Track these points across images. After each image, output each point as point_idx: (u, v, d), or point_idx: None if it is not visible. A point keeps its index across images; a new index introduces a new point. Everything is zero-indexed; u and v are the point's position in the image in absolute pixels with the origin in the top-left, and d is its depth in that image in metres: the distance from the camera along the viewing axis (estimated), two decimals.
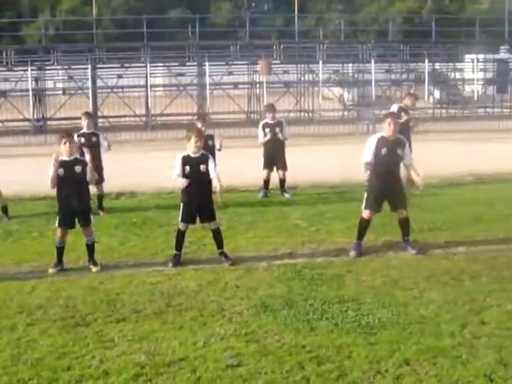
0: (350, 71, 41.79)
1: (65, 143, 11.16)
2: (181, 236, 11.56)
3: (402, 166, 12.28)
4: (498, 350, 7.82)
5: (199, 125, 15.05)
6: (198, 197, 11.40)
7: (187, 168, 11.36)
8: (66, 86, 38.95)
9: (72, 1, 70.80)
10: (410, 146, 13.25)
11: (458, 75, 43.77)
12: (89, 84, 35.46)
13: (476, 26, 46.54)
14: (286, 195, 17.21)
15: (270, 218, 14.78)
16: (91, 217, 11.58)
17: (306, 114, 37.81)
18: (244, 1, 77.02)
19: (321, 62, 38.24)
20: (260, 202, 16.55)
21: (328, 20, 67.38)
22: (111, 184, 16.25)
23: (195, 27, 44.14)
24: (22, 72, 35.97)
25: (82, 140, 15.25)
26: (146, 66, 35.88)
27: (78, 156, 11.57)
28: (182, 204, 11.51)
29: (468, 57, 43.61)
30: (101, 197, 15.63)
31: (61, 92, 38.96)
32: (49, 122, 35.59)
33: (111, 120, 35.13)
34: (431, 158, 20.70)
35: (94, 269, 11.16)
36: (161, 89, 40.20)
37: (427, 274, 10.66)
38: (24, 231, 13.88)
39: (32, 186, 16.48)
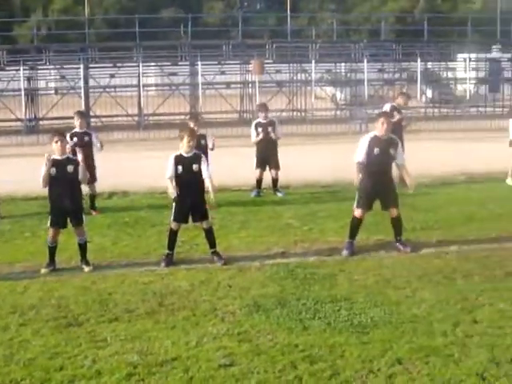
0: (343, 70, 41.86)
1: (56, 142, 11.14)
2: (173, 235, 11.55)
3: (394, 165, 12.28)
4: (490, 348, 7.83)
5: (192, 124, 15.03)
6: (191, 196, 11.40)
7: (180, 168, 11.35)
8: (58, 85, 38.95)
9: (64, 0, 70.73)
10: (402, 145, 13.26)
11: (450, 74, 43.85)
12: (81, 84, 35.39)
13: (468, 25, 46.59)
14: (279, 194, 17.22)
15: (262, 217, 14.78)
16: (83, 216, 11.55)
17: (299, 114, 37.82)
18: (236, 0, 76.91)
19: (313, 61, 38.26)
20: (253, 202, 16.54)
21: (320, 19, 67.40)
22: (104, 184, 16.24)
23: (187, 27, 44.16)
24: (14, 72, 35.96)
25: (75, 139, 15.23)
26: (138, 66, 35.88)
27: (70, 155, 11.55)
28: (174, 203, 11.51)
29: (460, 56, 43.67)
30: (93, 196, 15.62)
31: (53, 92, 38.94)
32: (41, 122, 35.52)
33: (103, 120, 35.08)
34: (423, 157, 20.76)
35: (86, 269, 11.15)
36: (153, 88, 40.19)
37: (419, 273, 10.68)
38: (16, 231, 13.86)
39: (24, 185, 16.46)
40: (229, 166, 19.31)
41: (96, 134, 16.34)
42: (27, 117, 34.98)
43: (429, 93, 42.10)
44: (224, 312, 9.14)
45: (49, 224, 11.32)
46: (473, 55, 42.20)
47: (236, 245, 12.59)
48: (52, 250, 11.25)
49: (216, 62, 39.94)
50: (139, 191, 17.50)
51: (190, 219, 11.65)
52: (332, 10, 70.61)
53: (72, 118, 16.81)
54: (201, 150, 12.96)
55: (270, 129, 17.20)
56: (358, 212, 11.96)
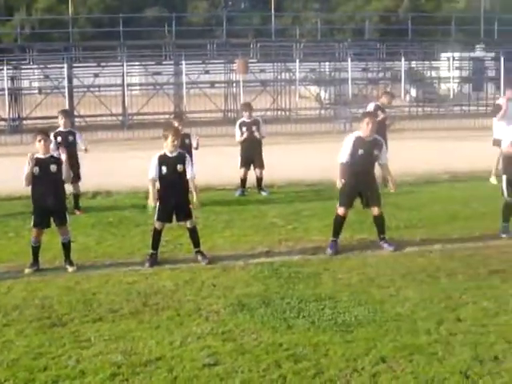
0: (327, 70, 41.87)
1: (40, 141, 11.08)
2: (157, 235, 11.53)
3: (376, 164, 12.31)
4: (473, 346, 7.87)
5: (176, 124, 15.00)
6: (175, 196, 11.39)
7: (164, 168, 11.33)
8: (42, 85, 38.73)
9: None
10: (385, 144, 13.29)
11: (434, 73, 43.98)
12: (65, 83, 35.28)
13: (452, 24, 46.74)
14: (263, 194, 17.24)
15: (246, 216, 14.79)
16: (67, 216, 11.52)
17: (283, 113, 37.84)
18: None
19: (297, 60, 38.32)
20: (237, 201, 16.54)
21: (304, 19, 67.41)
22: (87, 183, 16.20)
23: (172, 26, 44.05)
24: None
25: (59, 139, 15.18)
26: (122, 65, 35.75)
27: (53, 154, 11.47)
28: (158, 203, 11.49)
29: (444, 55, 43.85)
30: (77, 196, 15.58)
31: (37, 91, 38.73)
32: (25, 122, 35.35)
33: (88, 119, 34.95)
34: (407, 156, 20.84)
35: (70, 269, 11.11)
36: (137, 88, 40.11)
37: (403, 271, 10.71)
38: (0, 231, 13.80)
39: (8, 185, 16.39)
40: (213, 166, 19.32)
41: (81, 135, 16.21)
42: (11, 116, 34.80)
43: (413, 92, 42.21)
44: (208, 311, 9.14)
45: (32, 224, 11.27)
46: (456, 54, 42.39)
47: (220, 244, 12.59)
48: (35, 250, 11.20)
49: (200, 62, 39.92)
50: (123, 191, 17.45)
51: (174, 219, 11.66)
52: (316, 9, 70.71)
53: (56, 117, 16.74)
54: (185, 149, 12.98)
55: (254, 128, 17.22)
56: (340, 210, 11.99)
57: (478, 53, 46.82)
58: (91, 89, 36.57)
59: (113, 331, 8.50)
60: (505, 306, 9.16)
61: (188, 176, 11.43)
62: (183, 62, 35.99)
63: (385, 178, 12.64)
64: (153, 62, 40.88)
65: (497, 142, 16.68)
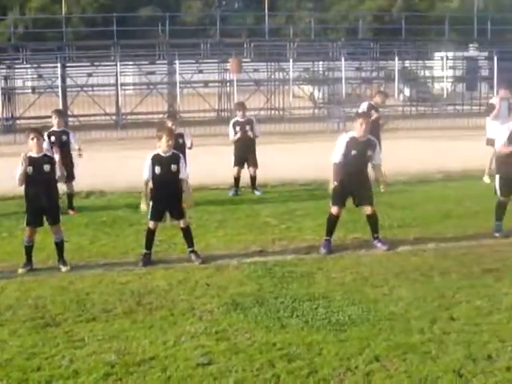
0: (321, 69, 41.90)
1: (33, 139, 11.04)
2: (151, 235, 11.52)
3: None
4: (466, 345, 7.88)
5: (169, 123, 14.98)
6: (168, 196, 11.39)
7: (157, 168, 11.32)
8: (35, 84, 38.75)
9: None
10: (379, 143, 13.30)
11: (427, 73, 44.04)
12: (58, 83, 35.26)
13: (445, 23, 46.78)
14: (257, 193, 17.23)
15: (240, 215, 14.79)
16: (60, 215, 11.50)
17: (277, 112, 37.86)
18: None
19: (291, 60, 38.35)
20: (230, 200, 16.54)
21: (298, 18, 67.41)
22: (81, 183, 16.18)
23: (165, 25, 44.03)
24: None
25: (53, 139, 15.17)
26: (116, 65, 35.73)
27: (47, 153, 11.44)
28: (151, 202, 11.49)
29: (437, 54, 43.88)
30: (71, 195, 15.56)
31: (30, 91, 38.71)
32: (18, 121, 35.31)
33: (81, 119, 34.93)
34: (401, 156, 20.86)
35: (63, 268, 11.09)
36: (131, 87, 40.09)
37: (397, 270, 10.72)
38: None
39: (1, 185, 16.34)
40: (207, 165, 19.32)
41: (75, 135, 16.17)
42: (4, 116, 34.77)
43: (406, 91, 42.25)
44: (202, 311, 9.14)
45: (25, 223, 11.26)
46: (450, 54, 42.43)
47: (214, 243, 12.59)
48: (29, 250, 11.18)
49: (194, 61, 39.92)
50: (117, 190, 17.44)
51: (168, 216, 11.67)
52: (310, 8, 70.74)
53: (49, 117, 16.72)
54: (179, 148, 12.98)
55: (247, 127, 17.21)
56: (334, 209, 12.00)
57: (472, 52, 46.91)
58: (85, 88, 36.53)
59: (106, 331, 8.49)
60: (498, 304, 9.17)
61: (181, 176, 11.45)
62: (177, 62, 35.99)
63: (377, 179, 12.61)
64: (146, 62, 40.85)
65: (490, 142, 16.72)
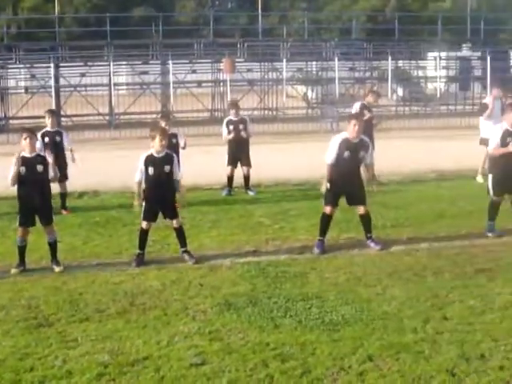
0: (314, 69, 41.90)
1: (25, 138, 10.98)
2: (144, 235, 11.52)
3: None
4: (460, 345, 7.90)
5: (163, 123, 14.98)
6: (161, 196, 11.39)
7: (150, 169, 11.30)
8: (28, 84, 38.70)
9: None
10: (372, 143, 13.31)
11: (420, 73, 44.05)
12: (51, 82, 35.19)
13: (438, 24, 46.81)
14: (250, 193, 17.22)
15: (233, 215, 14.79)
16: (53, 215, 11.48)
17: (270, 112, 37.84)
18: None
19: (284, 60, 38.36)
20: (224, 200, 16.53)
21: (291, 18, 67.40)
22: (74, 183, 16.16)
23: (159, 25, 43.96)
24: None
25: (46, 139, 15.16)
26: (109, 65, 35.67)
27: (40, 153, 11.42)
28: (144, 202, 11.48)
29: (431, 54, 43.93)
30: (64, 195, 15.53)
31: (23, 91, 38.66)
32: (11, 121, 35.20)
33: (74, 119, 34.86)
34: (394, 155, 20.90)
35: (56, 269, 11.07)
36: (124, 87, 39.99)
37: (390, 270, 10.73)
38: None
39: None
40: (200, 165, 19.31)
41: (67, 135, 16.13)
42: None
43: (399, 91, 42.27)
44: (195, 311, 9.14)
45: (18, 224, 11.24)
46: (443, 54, 42.49)
47: (207, 244, 12.59)
48: (21, 250, 11.16)
49: (187, 61, 39.88)
50: (110, 190, 17.42)
51: (162, 216, 11.67)
52: (303, 8, 70.56)
53: (42, 117, 16.69)
54: (172, 148, 12.97)
55: (241, 127, 17.20)
56: (327, 209, 12.01)
57: (465, 52, 46.98)
58: (78, 88, 36.46)
59: (99, 331, 8.49)
60: (491, 304, 9.19)
61: (175, 177, 11.46)
62: (170, 62, 35.95)
63: (368, 179, 12.62)
64: (140, 62, 40.79)
65: (484, 141, 16.73)
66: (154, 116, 29.90)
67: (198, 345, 8.02)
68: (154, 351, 7.87)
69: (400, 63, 42.84)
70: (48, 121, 15.65)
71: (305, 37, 47.95)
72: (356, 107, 17.63)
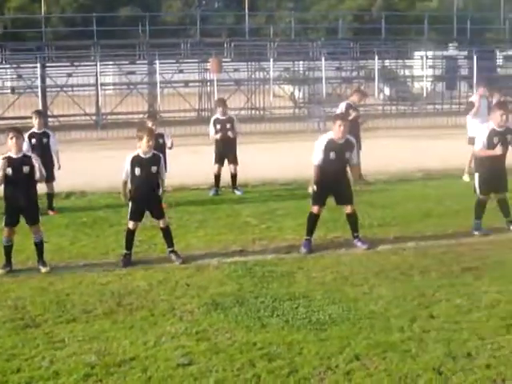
0: (301, 69, 41.92)
1: (11, 138, 10.90)
2: (131, 235, 11.50)
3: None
4: (446, 343, 7.92)
5: (150, 124, 14.95)
6: (148, 196, 11.38)
7: (137, 169, 11.28)
8: (14, 84, 38.54)
9: None
10: (359, 142, 13.33)
11: (407, 72, 44.11)
12: (38, 83, 35.08)
13: (425, 23, 46.95)
14: (238, 193, 17.22)
15: (220, 215, 14.78)
16: (39, 215, 11.44)
17: (257, 112, 37.82)
18: None
19: (271, 59, 38.38)
20: (211, 200, 16.52)
21: (278, 18, 67.43)
22: (61, 183, 16.09)
23: (145, 25, 43.92)
24: None
25: (33, 141, 15.10)
26: (96, 65, 35.59)
27: (26, 153, 11.36)
28: (130, 203, 11.47)
29: (417, 54, 44.01)
30: (51, 196, 15.48)
31: (9, 91, 38.51)
32: None
33: (61, 119, 34.75)
34: (381, 155, 20.93)
35: (43, 269, 11.03)
36: (111, 87, 39.86)
37: (377, 269, 10.75)
38: None
39: None
40: (187, 165, 19.31)
41: (54, 137, 16.05)
42: None
43: (386, 90, 42.32)
44: (182, 311, 9.14)
45: (3, 224, 11.20)
46: (430, 53, 42.55)
47: (194, 243, 12.58)
48: (8, 250, 11.11)
49: (174, 61, 39.86)
50: (97, 191, 17.38)
51: (149, 216, 11.67)
52: (290, 8, 70.66)
53: (29, 117, 16.64)
54: (159, 149, 12.97)
55: (228, 126, 17.17)
56: (314, 208, 12.03)
57: (451, 51, 47.10)
58: (64, 88, 36.36)
59: (86, 332, 8.48)
60: (477, 302, 9.22)
61: (161, 177, 11.48)
62: (157, 62, 35.90)
63: (354, 178, 12.64)
64: (126, 62, 40.72)
65: (472, 141, 16.73)
66: (141, 116, 29.85)
67: (185, 345, 8.02)
68: (141, 352, 7.87)
69: (387, 62, 42.89)
70: (35, 121, 15.59)
71: (291, 36, 48.01)
72: (342, 107, 17.64)
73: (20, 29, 51.45)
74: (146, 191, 11.35)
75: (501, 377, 7.15)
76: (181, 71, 38.62)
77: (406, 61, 43.95)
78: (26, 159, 11.03)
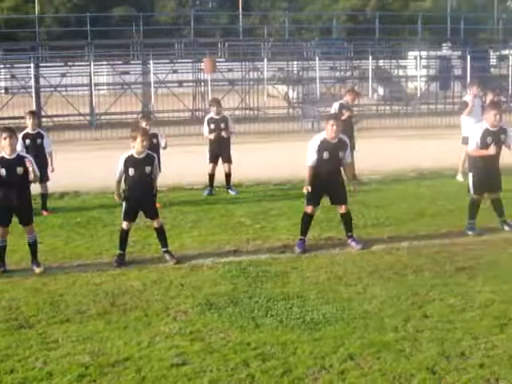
0: (295, 69, 41.92)
1: (5, 138, 10.83)
2: (124, 235, 11.48)
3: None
4: (440, 343, 7.93)
5: (144, 124, 14.92)
6: (141, 196, 11.37)
7: (131, 170, 11.25)
8: (8, 85, 38.47)
9: None
10: (353, 143, 13.33)
11: (401, 72, 44.17)
12: (32, 83, 35.02)
13: (419, 23, 47.05)
14: (232, 193, 17.20)
15: (214, 215, 14.78)
16: (33, 215, 11.42)
17: (251, 112, 37.80)
18: None
19: (265, 59, 38.39)
20: (205, 200, 16.50)
21: (272, 18, 67.48)
22: (55, 183, 16.05)
23: (139, 25, 43.93)
24: None
25: (27, 142, 15.07)
26: (89, 65, 35.56)
27: (20, 153, 11.33)
28: (124, 202, 11.46)
29: (411, 54, 44.09)
30: (45, 196, 15.45)
31: (3, 91, 38.45)
32: None
33: (55, 119, 34.72)
34: (375, 155, 20.93)
35: (37, 270, 11.01)
36: (105, 87, 39.86)
37: (371, 269, 10.76)
38: None
39: None
40: (181, 165, 19.29)
41: (48, 139, 16.01)
42: None
43: (380, 90, 42.35)
44: (176, 311, 9.14)
45: None
46: (423, 53, 42.63)
47: (188, 244, 12.57)
48: (1, 250, 11.05)
49: (168, 61, 39.85)
50: (91, 191, 17.35)
51: (143, 216, 11.67)
52: (284, 8, 70.71)
53: (23, 117, 16.61)
54: (153, 149, 12.94)
55: (222, 126, 17.14)
56: (308, 208, 12.03)
57: (445, 51, 47.20)
58: (58, 88, 36.28)
59: (80, 332, 8.47)
60: (471, 302, 9.24)
61: (155, 177, 11.49)
62: (151, 62, 35.90)
63: (348, 178, 12.65)
64: (120, 62, 40.73)
65: (466, 140, 16.74)
66: (135, 116, 29.83)
67: (179, 345, 8.02)
68: (135, 352, 7.86)
69: (380, 62, 42.97)
70: (29, 122, 15.54)
71: (285, 36, 48.10)
72: (335, 107, 17.62)
73: (14, 29, 51.39)
74: (140, 191, 11.34)
75: (494, 376, 7.16)
76: (175, 71, 38.57)
77: (400, 61, 44.04)
78: (20, 160, 10.97)
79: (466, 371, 7.26)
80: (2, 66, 39.14)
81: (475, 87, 18.74)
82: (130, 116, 32.85)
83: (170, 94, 36.26)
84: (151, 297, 9.71)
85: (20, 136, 14.06)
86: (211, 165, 17.17)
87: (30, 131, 15.38)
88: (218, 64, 36.19)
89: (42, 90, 36.01)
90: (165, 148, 15.58)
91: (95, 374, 7.32)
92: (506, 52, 45.11)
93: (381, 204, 15.40)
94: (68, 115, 35.18)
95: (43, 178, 14.39)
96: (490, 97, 18.59)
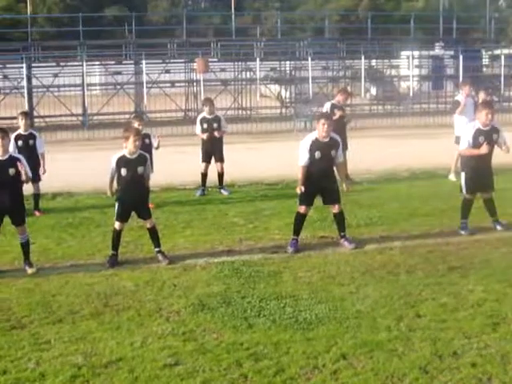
0: (288, 69, 41.93)
1: None
2: (117, 236, 11.47)
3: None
4: (433, 342, 7.94)
5: (136, 124, 14.89)
6: (134, 196, 11.35)
7: (124, 170, 11.24)
8: (0, 85, 38.38)
9: None
10: (345, 142, 13.32)
11: (393, 72, 44.22)
12: (24, 83, 34.97)
13: (411, 23, 47.07)
14: (224, 193, 17.19)
15: (207, 215, 14.77)
16: (25, 216, 11.39)
17: (244, 112, 37.83)
18: None
19: (258, 59, 38.35)
20: (197, 200, 16.49)
21: (265, 17, 67.51)
22: (47, 184, 16.04)
23: (132, 25, 43.87)
24: None
25: (20, 143, 15.04)
26: (82, 65, 35.50)
27: (12, 154, 11.30)
28: (116, 203, 11.44)
29: (403, 53, 44.14)
30: (37, 196, 15.41)
31: None
32: None
33: (47, 120, 34.66)
34: (367, 154, 20.96)
35: (29, 270, 10.99)
36: (97, 87, 39.84)
37: (363, 269, 10.77)
38: None
39: None
40: (174, 165, 19.29)
41: (41, 140, 15.97)
42: None
43: (373, 90, 42.44)
44: (169, 311, 9.13)
45: None
46: (416, 53, 42.65)
47: (181, 244, 12.56)
48: None
49: (161, 61, 39.82)
50: (84, 192, 17.33)
51: (136, 216, 11.66)
52: (276, 8, 70.75)
53: (15, 118, 16.58)
54: (145, 149, 12.93)
55: (215, 125, 17.12)
56: (301, 208, 12.03)
57: (437, 51, 47.24)
58: (51, 89, 36.22)
59: (73, 333, 8.45)
60: (463, 301, 9.25)
61: (147, 177, 11.48)
62: (143, 62, 35.91)
63: (341, 178, 12.66)
64: (113, 62, 40.68)
65: (459, 140, 16.78)
66: (128, 116, 29.81)
67: (172, 345, 8.01)
68: (128, 352, 7.85)
69: (373, 62, 43.00)
70: (21, 123, 15.50)
71: (278, 36, 48.07)
72: (327, 107, 17.60)
73: (6, 29, 51.26)
74: (133, 192, 11.33)
75: (487, 375, 7.17)
76: (167, 71, 38.57)
77: (393, 60, 44.08)
78: (12, 161, 10.93)
79: (458, 370, 7.27)
80: None
81: (467, 87, 18.78)
82: (123, 116, 32.84)
83: (163, 94, 36.28)
84: (144, 297, 9.70)
85: (12, 137, 14.05)
86: (204, 164, 17.16)
87: (23, 132, 15.35)
88: (210, 64, 36.19)
89: (35, 90, 35.96)
90: (157, 148, 15.57)
91: (88, 375, 7.31)
92: (498, 52, 45.25)
93: (373, 204, 15.41)
94: (60, 115, 35.16)
95: (35, 178, 14.35)
96: (482, 96, 18.64)
